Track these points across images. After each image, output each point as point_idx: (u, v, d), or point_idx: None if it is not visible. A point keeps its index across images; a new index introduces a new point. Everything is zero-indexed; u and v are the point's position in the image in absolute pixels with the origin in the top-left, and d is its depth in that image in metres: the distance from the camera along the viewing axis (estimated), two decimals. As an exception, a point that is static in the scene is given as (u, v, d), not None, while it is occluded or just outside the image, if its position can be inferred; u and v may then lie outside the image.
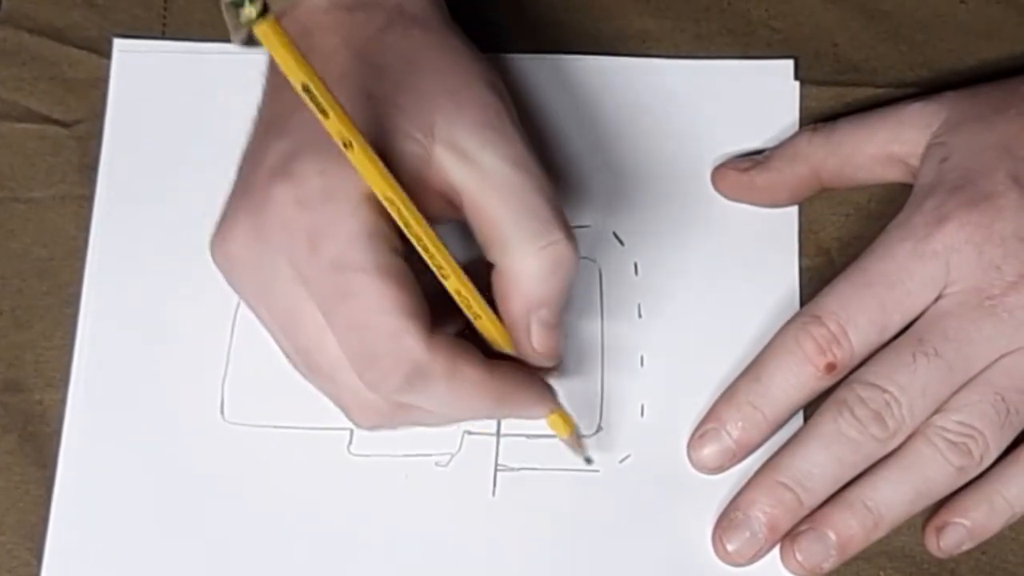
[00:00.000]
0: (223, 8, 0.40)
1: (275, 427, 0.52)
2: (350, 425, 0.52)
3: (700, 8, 0.58)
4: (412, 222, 0.44)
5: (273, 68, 0.49)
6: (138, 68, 0.56)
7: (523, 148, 0.47)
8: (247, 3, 0.37)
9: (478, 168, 0.46)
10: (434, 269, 0.45)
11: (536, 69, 0.56)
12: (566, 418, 0.51)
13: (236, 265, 0.47)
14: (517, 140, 0.47)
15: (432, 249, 0.45)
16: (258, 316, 0.48)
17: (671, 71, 0.57)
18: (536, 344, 0.47)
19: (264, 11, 0.37)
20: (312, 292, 0.45)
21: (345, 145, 0.42)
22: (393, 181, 0.43)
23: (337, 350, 0.45)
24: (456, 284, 0.46)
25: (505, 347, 0.48)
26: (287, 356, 0.48)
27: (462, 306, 0.47)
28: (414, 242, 0.44)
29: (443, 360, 0.45)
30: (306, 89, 0.40)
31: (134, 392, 0.53)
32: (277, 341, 0.48)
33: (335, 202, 0.44)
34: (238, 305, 0.54)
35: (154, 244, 0.54)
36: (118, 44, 0.56)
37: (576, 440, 0.51)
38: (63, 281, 0.54)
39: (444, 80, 0.47)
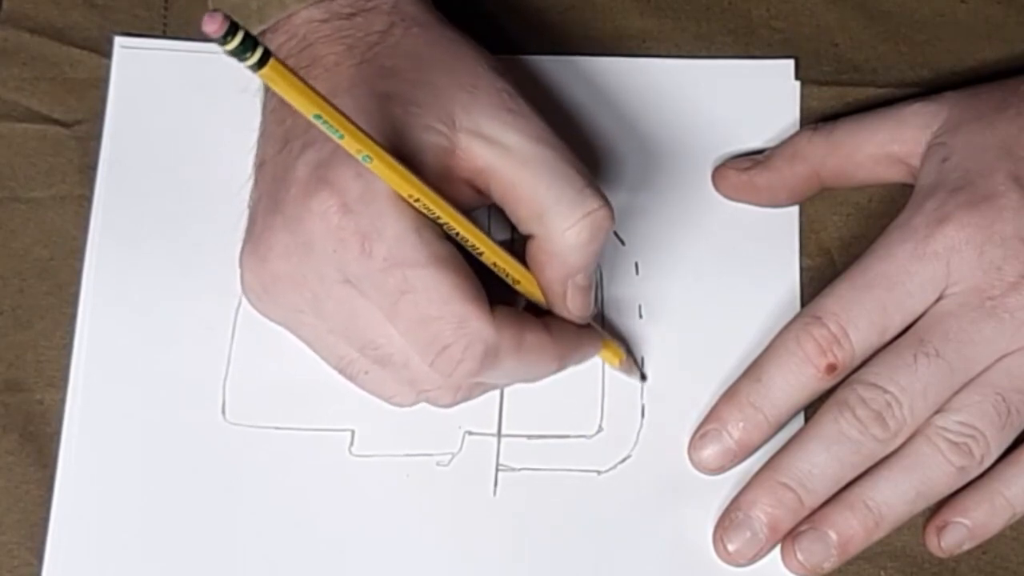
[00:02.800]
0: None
1: (276, 427, 0.52)
2: (351, 425, 0.52)
3: (700, 8, 0.58)
4: (442, 215, 0.45)
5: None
6: (139, 67, 0.56)
7: (543, 124, 0.48)
8: (246, 53, 0.37)
9: (505, 149, 0.47)
10: (472, 251, 0.47)
11: (536, 69, 0.56)
12: (613, 347, 0.52)
13: (278, 281, 0.47)
14: (536, 118, 0.48)
15: (465, 234, 0.46)
16: (302, 333, 0.49)
17: (671, 71, 0.57)
18: (571, 307, 0.49)
19: (264, 59, 0.37)
20: (368, 294, 0.45)
21: (365, 158, 0.42)
22: (417, 181, 0.44)
23: (403, 341, 0.46)
24: (493, 258, 0.47)
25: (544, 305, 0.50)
26: (344, 364, 0.48)
27: (501, 275, 0.48)
28: (462, 232, 0.46)
29: (510, 335, 0.46)
30: (317, 116, 0.40)
31: (135, 392, 0.53)
32: (330, 350, 0.48)
33: (377, 203, 0.44)
34: (238, 305, 0.54)
35: (154, 244, 0.54)
36: (119, 42, 0.56)
37: (628, 363, 0.52)
38: (63, 281, 0.54)
39: (454, 72, 0.48)
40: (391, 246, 0.44)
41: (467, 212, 0.46)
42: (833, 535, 0.49)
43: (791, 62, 0.56)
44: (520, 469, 0.52)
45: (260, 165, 0.49)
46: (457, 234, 0.46)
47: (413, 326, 0.45)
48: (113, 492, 0.52)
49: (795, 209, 0.55)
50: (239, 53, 0.36)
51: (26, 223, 0.55)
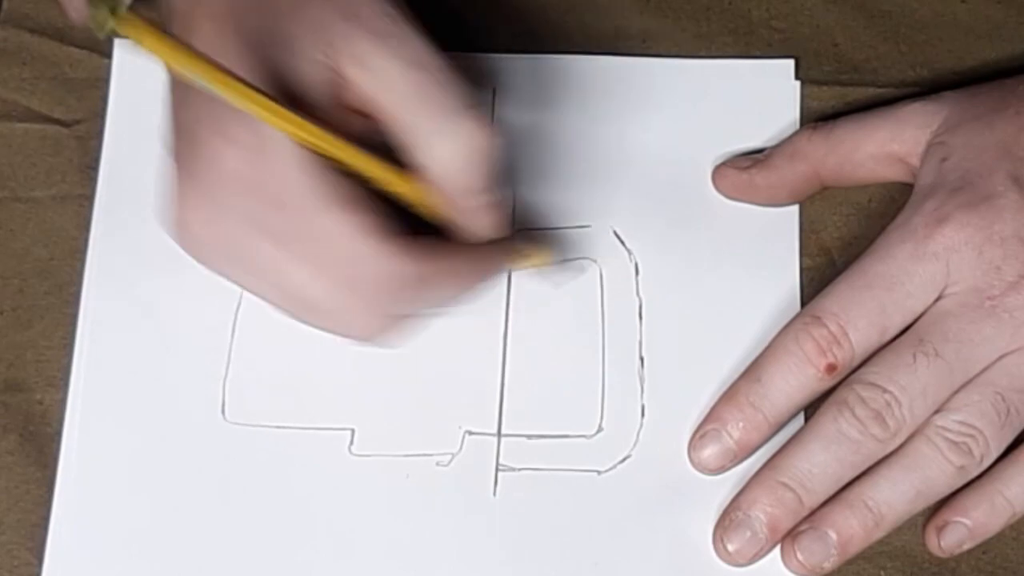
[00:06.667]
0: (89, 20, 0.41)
1: (276, 427, 0.52)
2: (351, 425, 0.52)
3: (701, 8, 0.58)
4: (337, 153, 0.45)
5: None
6: (139, 67, 0.56)
7: (424, 48, 0.47)
8: (107, 23, 0.37)
9: (377, 74, 0.46)
10: (378, 185, 0.47)
11: (536, 69, 0.56)
12: (536, 251, 0.52)
13: (204, 244, 0.48)
14: (416, 41, 0.47)
15: (366, 169, 0.46)
16: (242, 285, 0.49)
17: (671, 71, 0.57)
18: (476, 228, 0.49)
19: (115, 9, 0.37)
20: (279, 242, 0.46)
21: (250, 108, 0.43)
22: (307, 123, 0.44)
23: (318, 285, 0.46)
24: (400, 189, 0.47)
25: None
26: (283, 311, 0.49)
27: (416, 206, 0.48)
28: (355, 163, 0.46)
29: (420, 265, 0.46)
30: (192, 73, 0.41)
31: (135, 392, 0.53)
32: (267, 300, 0.49)
33: (274, 151, 0.45)
34: (239, 305, 0.54)
35: (154, 244, 0.54)
36: (119, 42, 0.56)
37: (554, 263, 0.53)
38: (64, 281, 0.54)
39: (332, 1, 0.47)
40: (290, 193, 0.45)
41: (365, 143, 0.46)
42: (833, 535, 0.49)
43: (791, 62, 0.57)
44: (520, 469, 0.52)
45: (170, 141, 0.48)
46: (361, 171, 0.46)
47: (324, 269, 0.46)
48: (113, 492, 0.52)
49: (795, 209, 0.55)
50: (102, 25, 0.36)
51: (26, 223, 0.55)
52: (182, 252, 0.54)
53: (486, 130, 0.47)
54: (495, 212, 0.49)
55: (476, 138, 0.46)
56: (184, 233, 0.47)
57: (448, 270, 0.48)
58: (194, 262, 0.48)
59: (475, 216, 0.49)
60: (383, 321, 0.48)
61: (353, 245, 0.45)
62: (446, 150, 0.46)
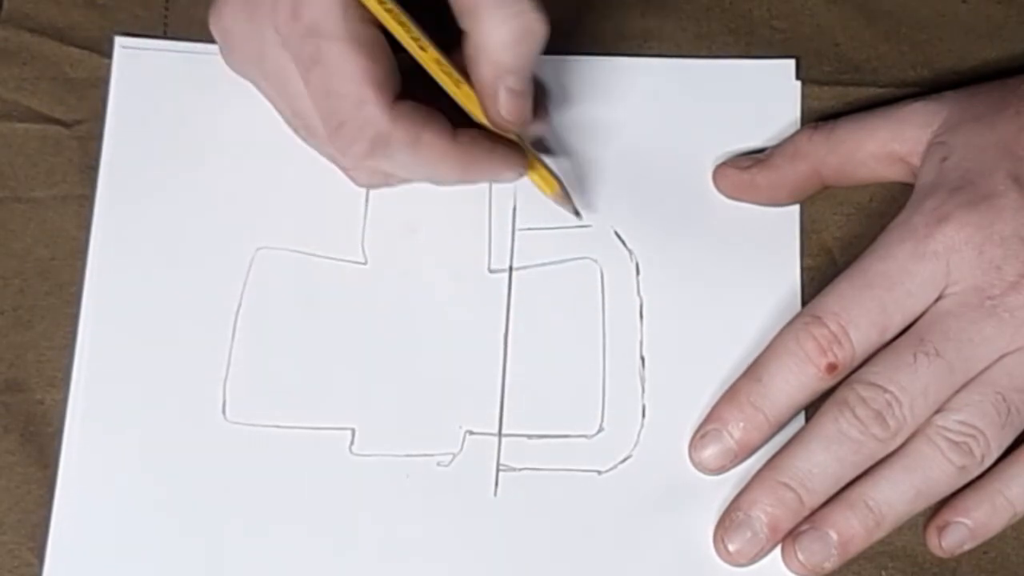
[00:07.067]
0: None
1: (276, 427, 0.52)
2: (351, 425, 0.52)
3: (701, 7, 0.58)
4: (385, 17, 0.48)
5: None
6: (139, 67, 0.56)
7: None
8: None
9: None
10: (410, 44, 0.49)
11: (537, 70, 0.56)
12: (548, 176, 0.53)
13: (230, 36, 0.51)
14: None
15: (408, 23, 0.48)
16: (258, 88, 0.52)
17: (672, 71, 0.57)
18: (503, 111, 0.49)
19: None
20: (292, 57, 0.48)
21: None
22: None
23: (315, 110, 0.49)
24: (435, 54, 0.49)
25: (482, 118, 0.50)
26: (288, 122, 0.52)
27: (441, 77, 0.50)
28: (388, 19, 0.48)
29: (406, 128, 0.48)
30: None
31: (135, 392, 0.53)
32: (278, 109, 0.52)
33: None
34: (239, 305, 0.54)
35: (155, 244, 0.54)
36: (119, 42, 0.56)
37: (562, 196, 0.53)
38: (64, 281, 0.54)
39: None
40: (315, 14, 0.47)
41: (414, 8, 0.48)
42: (834, 535, 0.49)
43: (792, 62, 0.56)
44: (521, 469, 0.52)
45: None
46: (401, 24, 0.48)
47: (319, 97, 0.48)
48: (114, 492, 0.52)
49: (796, 208, 0.55)
50: None
51: (27, 223, 0.55)
52: (182, 253, 0.54)
53: (539, 15, 0.48)
54: (523, 100, 0.50)
55: (529, 19, 0.48)
56: (216, 21, 0.51)
57: (436, 146, 0.49)
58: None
59: (504, 99, 0.49)
60: (370, 172, 0.51)
61: (352, 84, 0.47)
62: (501, 23, 0.47)
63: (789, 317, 0.51)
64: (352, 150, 0.49)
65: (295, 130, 0.52)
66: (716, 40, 0.57)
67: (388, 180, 0.52)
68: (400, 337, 0.53)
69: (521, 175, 0.52)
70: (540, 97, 0.53)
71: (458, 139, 0.50)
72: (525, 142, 0.52)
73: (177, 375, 0.53)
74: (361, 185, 0.53)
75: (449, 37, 0.49)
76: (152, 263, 0.54)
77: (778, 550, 0.50)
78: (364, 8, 0.48)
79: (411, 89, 0.49)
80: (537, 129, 0.53)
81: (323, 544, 0.51)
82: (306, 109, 0.50)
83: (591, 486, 0.52)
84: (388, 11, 0.48)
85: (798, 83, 0.56)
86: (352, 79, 0.47)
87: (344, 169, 0.52)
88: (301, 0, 0.47)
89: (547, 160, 0.54)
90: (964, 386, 0.49)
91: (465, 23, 0.48)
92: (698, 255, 0.54)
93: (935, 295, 0.49)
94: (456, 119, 0.50)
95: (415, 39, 0.49)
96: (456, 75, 0.50)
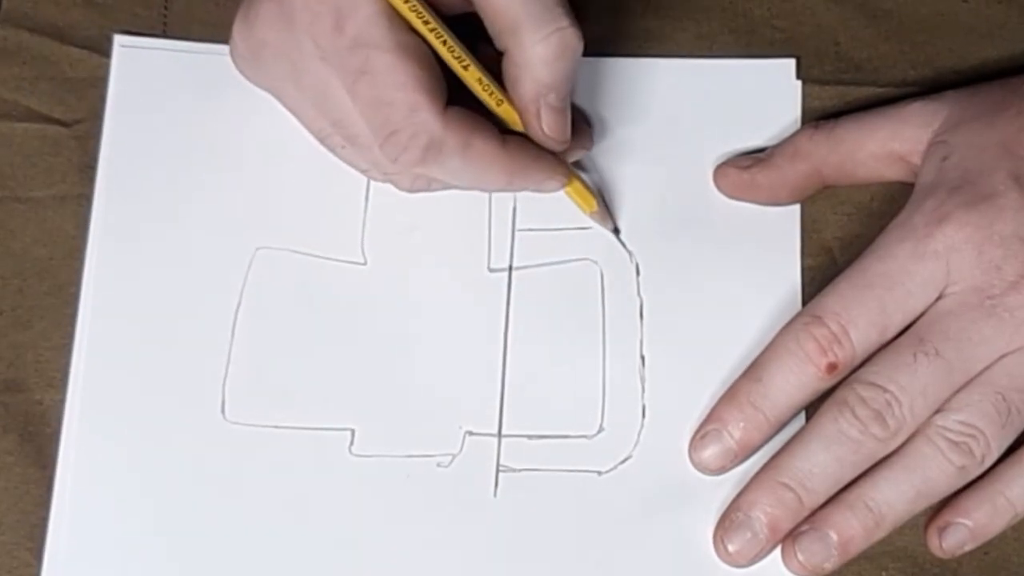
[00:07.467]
0: None
1: (276, 427, 0.52)
2: (351, 425, 0.52)
3: (701, 7, 0.57)
4: (429, 18, 0.48)
5: None
6: (139, 67, 0.56)
7: None
8: None
9: None
10: (454, 61, 0.49)
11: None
12: (587, 191, 0.53)
13: (264, 48, 0.50)
14: None
15: (451, 41, 0.49)
16: (285, 102, 0.52)
17: (672, 71, 0.57)
18: (546, 127, 0.50)
19: None
20: (335, 69, 0.48)
21: None
22: None
23: (362, 121, 0.49)
24: (477, 73, 0.50)
25: (521, 130, 0.51)
26: (322, 136, 0.52)
27: (482, 93, 0.50)
28: (432, 37, 0.48)
29: (457, 134, 0.49)
30: None
31: (134, 392, 0.53)
32: (309, 122, 0.52)
33: None
34: (239, 305, 0.54)
35: (154, 243, 0.54)
36: (119, 40, 0.56)
37: (602, 213, 0.54)
38: (63, 281, 0.54)
39: None
40: (360, 26, 0.47)
41: (451, 23, 0.49)
42: (833, 535, 0.49)
43: (792, 61, 0.56)
44: (521, 470, 0.52)
45: None
46: (444, 42, 0.48)
47: (368, 107, 0.48)
48: (113, 492, 0.52)
49: (796, 208, 0.55)
50: None
51: (26, 223, 0.55)
52: (182, 253, 0.54)
53: (576, 30, 0.49)
54: (563, 117, 0.50)
55: (567, 34, 0.48)
56: (247, 32, 0.50)
57: (485, 152, 0.49)
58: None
59: (546, 116, 0.50)
60: (412, 176, 0.51)
61: (402, 93, 0.48)
62: (537, 38, 0.48)
63: (789, 317, 0.51)
64: (404, 157, 0.49)
65: (324, 140, 0.52)
66: (716, 40, 0.57)
67: (431, 185, 0.52)
68: (400, 337, 0.53)
69: (563, 185, 0.53)
70: (581, 124, 0.54)
71: (507, 146, 0.50)
72: (564, 159, 0.53)
73: (176, 375, 0.53)
74: (403, 189, 0.52)
75: (478, 52, 0.50)
76: (151, 263, 0.54)
77: (778, 550, 0.50)
78: (407, 21, 0.48)
79: (452, 97, 0.49)
80: (577, 153, 0.54)
81: (323, 544, 0.51)
82: (348, 119, 0.49)
83: (591, 486, 0.52)
84: (431, 30, 0.48)
85: (798, 83, 0.56)
86: (403, 87, 0.47)
87: (387, 175, 0.52)
88: (344, 13, 0.47)
89: (584, 175, 0.54)
90: (964, 386, 0.49)
91: (504, 42, 0.49)
92: (698, 255, 0.54)
93: (935, 295, 0.49)
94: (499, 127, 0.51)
95: (457, 57, 0.49)
96: (498, 94, 0.50)
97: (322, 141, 0.52)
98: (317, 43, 0.48)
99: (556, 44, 0.48)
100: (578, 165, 0.55)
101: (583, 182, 0.54)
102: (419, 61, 0.48)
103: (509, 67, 0.49)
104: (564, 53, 0.48)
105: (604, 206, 0.54)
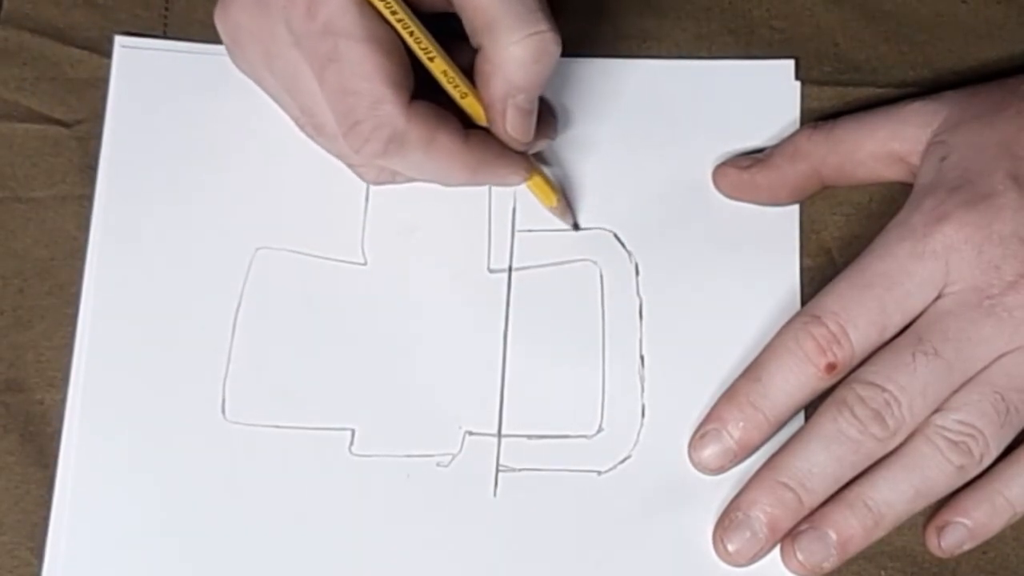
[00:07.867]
0: None
1: (276, 427, 0.52)
2: (351, 425, 0.52)
3: (701, 8, 0.58)
4: (396, 8, 0.47)
5: None
6: (139, 67, 0.56)
7: None
8: None
9: None
10: (420, 52, 0.49)
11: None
12: (548, 186, 0.53)
13: (240, 32, 0.50)
14: None
15: (418, 33, 0.48)
16: (263, 85, 0.52)
17: (671, 71, 0.57)
18: (510, 127, 0.50)
19: None
20: (306, 55, 0.48)
21: None
22: None
23: (328, 109, 0.49)
24: (442, 65, 0.49)
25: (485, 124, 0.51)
26: (295, 120, 0.52)
27: (447, 85, 0.50)
28: (399, 28, 0.48)
29: (420, 128, 0.48)
30: None
31: (135, 392, 0.53)
32: (284, 106, 0.52)
33: None
34: (239, 305, 0.54)
35: (154, 244, 0.54)
36: (119, 41, 0.56)
37: (562, 208, 0.54)
38: (64, 281, 0.54)
39: None
40: (332, 12, 0.47)
41: (425, 17, 0.48)
42: (833, 535, 0.49)
43: (791, 62, 0.56)
44: (520, 469, 0.52)
45: None
46: (411, 33, 0.48)
47: (334, 95, 0.48)
48: (113, 492, 0.52)
49: (795, 208, 0.55)
50: None
51: (26, 223, 0.55)
52: (182, 253, 0.54)
53: (554, 35, 0.48)
54: (529, 119, 0.50)
55: (545, 39, 0.48)
56: (225, 15, 0.50)
57: (448, 147, 0.49)
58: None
59: (511, 116, 0.50)
60: (376, 168, 0.52)
61: (368, 83, 0.47)
62: (514, 39, 0.48)
63: (788, 317, 0.51)
64: (366, 148, 0.49)
65: (301, 127, 0.52)
66: (716, 40, 0.57)
67: (395, 178, 0.52)
68: (400, 337, 0.54)
69: (525, 179, 0.53)
70: (546, 116, 0.54)
71: (470, 141, 0.50)
72: (527, 153, 0.53)
73: (177, 375, 0.53)
74: (368, 182, 0.53)
75: (452, 43, 0.50)
76: (152, 263, 0.54)
77: (777, 550, 0.50)
78: (379, 11, 0.48)
79: (419, 88, 0.49)
80: (539, 146, 0.54)
81: (323, 544, 0.51)
82: (316, 107, 0.49)
83: (591, 486, 0.52)
84: (399, 20, 0.48)
85: (798, 83, 0.56)
86: (369, 78, 0.47)
87: (352, 166, 0.52)
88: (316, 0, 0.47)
89: (546, 169, 0.54)
90: (963, 386, 0.49)
91: (480, 39, 0.48)
92: (698, 255, 0.54)
93: (934, 294, 0.49)
94: (464, 120, 0.51)
95: (423, 48, 0.49)
96: (463, 87, 0.50)
97: (300, 128, 0.52)
98: (290, 28, 0.48)
99: (533, 47, 0.48)
100: (540, 158, 0.55)
101: (544, 176, 0.54)
102: (388, 53, 0.47)
103: (482, 64, 0.49)
104: (540, 57, 0.48)
105: (565, 200, 0.54)
